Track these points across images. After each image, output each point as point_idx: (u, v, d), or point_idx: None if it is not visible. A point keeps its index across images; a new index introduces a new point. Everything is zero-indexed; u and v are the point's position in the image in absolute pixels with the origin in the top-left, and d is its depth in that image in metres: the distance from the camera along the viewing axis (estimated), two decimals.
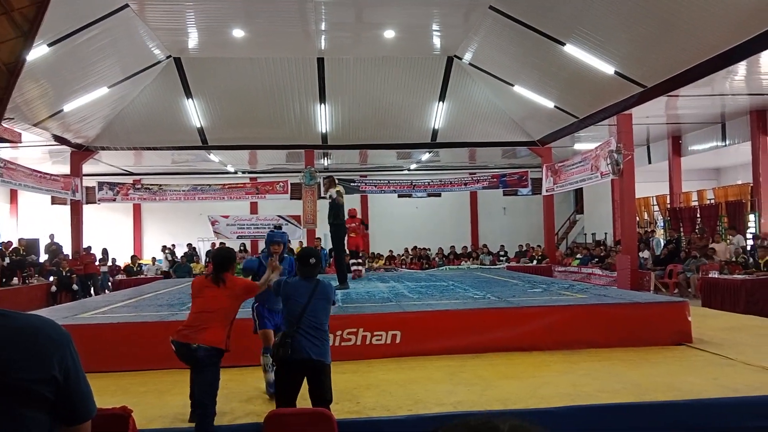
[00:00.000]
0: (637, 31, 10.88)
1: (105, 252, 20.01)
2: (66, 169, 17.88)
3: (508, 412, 4.50)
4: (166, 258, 21.18)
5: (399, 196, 21.63)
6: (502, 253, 22.87)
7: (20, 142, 14.19)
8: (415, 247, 23.28)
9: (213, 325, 4.36)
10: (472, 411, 4.61)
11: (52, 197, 18.90)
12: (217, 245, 21.10)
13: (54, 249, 18.62)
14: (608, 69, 12.36)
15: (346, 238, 10.74)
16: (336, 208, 9.78)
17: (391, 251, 23.18)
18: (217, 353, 4.30)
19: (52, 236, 19.28)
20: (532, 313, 7.23)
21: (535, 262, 20.33)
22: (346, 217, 10.47)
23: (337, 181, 10.18)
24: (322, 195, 10.79)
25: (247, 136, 17.90)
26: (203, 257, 21.62)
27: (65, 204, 18.47)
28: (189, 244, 21.85)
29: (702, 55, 10.44)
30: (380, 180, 21.40)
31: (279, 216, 20.58)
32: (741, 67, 11.34)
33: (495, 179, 20.40)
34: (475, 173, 21.75)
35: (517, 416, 1.00)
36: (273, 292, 4.66)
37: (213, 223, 20.45)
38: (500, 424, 0.95)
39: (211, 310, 4.43)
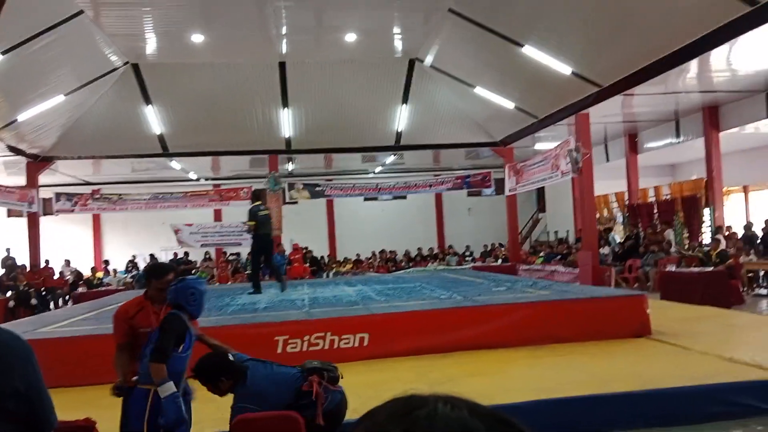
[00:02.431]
0: (592, 31, 11.14)
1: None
2: (22, 180, 17.36)
3: None
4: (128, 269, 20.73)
5: (365, 199, 21.59)
6: (468, 253, 23.11)
7: None
8: (383, 251, 23.32)
9: None
10: None
11: (8, 210, 18.33)
12: (175, 254, 20.75)
13: (10, 263, 18.11)
14: (566, 69, 12.61)
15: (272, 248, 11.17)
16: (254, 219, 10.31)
17: (358, 255, 23.19)
18: None
19: (8, 250, 18.72)
20: (497, 311, 7.35)
21: (500, 261, 20.60)
22: (274, 233, 10.84)
23: (272, 188, 10.80)
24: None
25: (210, 142, 17.64)
26: None
27: (22, 216, 17.95)
28: (152, 255, 21.31)
29: (655, 53, 10.73)
30: (346, 183, 21.32)
31: (243, 222, 20.32)
32: (693, 65, 11.72)
33: (459, 180, 20.56)
34: (439, 175, 21.90)
35: None
36: None
37: (176, 232, 20.06)
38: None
39: None
